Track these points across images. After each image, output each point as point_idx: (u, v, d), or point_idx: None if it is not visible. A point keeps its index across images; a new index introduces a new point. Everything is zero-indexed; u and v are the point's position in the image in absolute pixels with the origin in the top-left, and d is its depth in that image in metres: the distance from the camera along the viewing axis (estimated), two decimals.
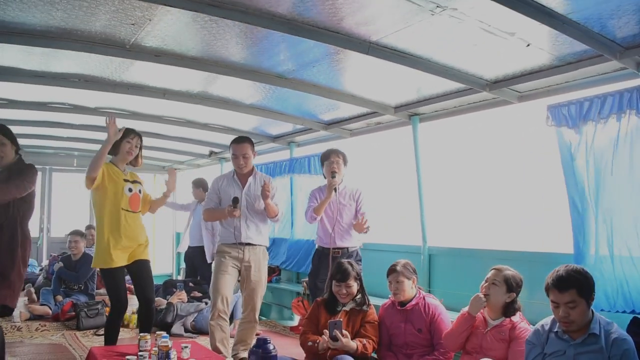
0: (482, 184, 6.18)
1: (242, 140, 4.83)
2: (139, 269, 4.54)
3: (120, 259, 4.40)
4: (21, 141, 4.06)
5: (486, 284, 3.58)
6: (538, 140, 4.58)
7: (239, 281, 4.83)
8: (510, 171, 5.89)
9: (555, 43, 3.77)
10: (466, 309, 3.65)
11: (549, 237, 4.27)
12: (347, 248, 4.93)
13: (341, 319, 3.81)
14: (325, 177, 5.09)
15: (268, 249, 7.73)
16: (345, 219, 4.95)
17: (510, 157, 5.90)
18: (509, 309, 3.54)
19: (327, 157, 5.02)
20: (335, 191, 4.85)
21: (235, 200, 4.59)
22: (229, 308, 4.68)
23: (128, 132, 4.52)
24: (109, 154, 4.42)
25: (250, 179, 4.80)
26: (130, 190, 4.48)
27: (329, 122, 6.50)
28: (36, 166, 4.00)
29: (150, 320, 4.53)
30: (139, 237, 4.54)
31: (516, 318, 3.52)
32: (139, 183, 4.60)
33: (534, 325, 3.39)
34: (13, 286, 3.76)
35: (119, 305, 4.47)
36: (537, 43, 3.80)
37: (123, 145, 4.47)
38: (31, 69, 4.88)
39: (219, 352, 4.50)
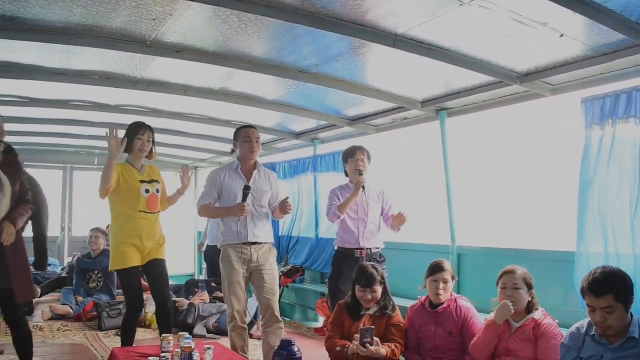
0: (513, 181, 6.04)
1: (253, 126, 4.67)
2: (154, 268, 4.48)
3: (135, 259, 4.36)
4: (42, 139, 4.07)
5: (508, 291, 3.47)
6: (572, 135, 4.43)
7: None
8: (543, 168, 5.74)
9: (590, 33, 3.63)
10: (490, 316, 3.56)
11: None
12: (371, 249, 4.78)
13: (373, 327, 3.70)
14: (347, 175, 4.97)
15: (291, 248, 7.74)
16: (371, 219, 4.80)
17: (543, 153, 5.74)
18: (530, 306, 3.48)
19: (352, 155, 4.86)
20: (363, 189, 4.68)
21: (247, 189, 4.29)
22: (247, 317, 4.49)
23: (138, 128, 4.45)
24: (123, 152, 4.38)
25: (255, 172, 4.53)
26: (147, 191, 4.42)
27: (353, 118, 6.40)
28: (57, 165, 4.02)
29: (168, 320, 4.46)
30: (155, 237, 4.49)
31: (539, 315, 3.44)
32: (157, 182, 4.53)
33: (565, 327, 3.32)
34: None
35: (134, 304, 4.43)
36: (571, 33, 3.67)
37: (135, 143, 4.40)
38: (52, 66, 4.88)
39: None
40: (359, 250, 4.74)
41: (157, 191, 4.51)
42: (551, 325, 3.39)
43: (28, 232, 4.48)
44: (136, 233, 4.35)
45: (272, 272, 4.48)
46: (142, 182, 4.42)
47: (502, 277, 3.54)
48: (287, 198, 4.45)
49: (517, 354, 3.40)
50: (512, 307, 3.40)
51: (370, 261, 4.63)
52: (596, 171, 3.99)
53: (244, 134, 4.52)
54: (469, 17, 3.55)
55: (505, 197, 6.14)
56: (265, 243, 4.48)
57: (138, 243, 4.36)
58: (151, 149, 4.53)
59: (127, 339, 4.43)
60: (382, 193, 4.92)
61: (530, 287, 3.48)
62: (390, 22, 3.75)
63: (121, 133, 7.20)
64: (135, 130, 4.43)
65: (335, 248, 4.98)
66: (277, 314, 4.43)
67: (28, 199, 3.92)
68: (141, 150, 4.43)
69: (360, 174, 4.69)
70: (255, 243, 4.41)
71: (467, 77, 4.64)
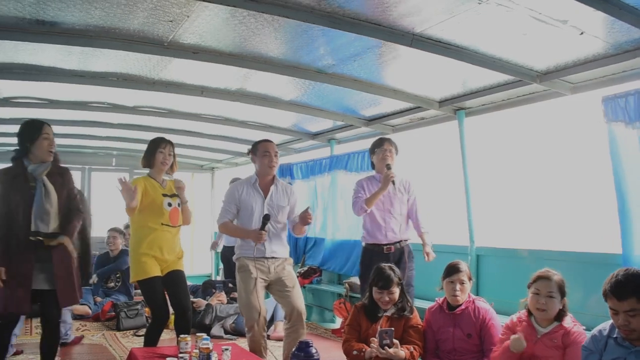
0: (532, 180, 5.97)
1: (271, 140, 4.62)
2: (174, 278, 4.50)
3: (155, 269, 4.38)
4: (61, 141, 4.13)
5: (541, 299, 3.35)
6: (592, 134, 4.38)
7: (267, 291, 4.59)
8: (562, 167, 5.67)
9: (611, 30, 3.58)
10: (509, 319, 3.51)
11: (606, 236, 4.06)
12: (400, 242, 4.71)
13: (392, 329, 3.66)
14: (373, 167, 4.93)
15: (308, 249, 7.72)
16: (399, 210, 4.75)
17: (563, 153, 5.68)
18: (560, 314, 3.36)
19: (379, 145, 4.80)
20: (394, 184, 4.63)
21: (267, 218, 4.28)
22: (266, 323, 4.45)
23: (159, 142, 4.51)
24: (144, 167, 4.49)
25: (272, 187, 4.48)
26: (169, 204, 4.45)
27: (370, 118, 6.38)
28: (75, 166, 4.09)
29: (187, 328, 4.42)
30: (174, 251, 4.52)
31: (568, 323, 3.33)
32: (178, 196, 4.54)
33: (589, 331, 3.22)
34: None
35: (160, 314, 4.42)
36: (591, 31, 3.62)
37: (157, 156, 4.45)
38: (70, 68, 4.91)
39: None
40: (387, 246, 4.69)
41: (179, 205, 4.53)
42: (581, 333, 3.27)
43: None
44: (157, 245, 4.38)
45: (292, 277, 4.45)
46: (165, 195, 4.45)
47: (536, 282, 3.40)
48: (307, 208, 4.39)
49: None
50: (524, 343, 3.29)
51: (400, 255, 4.62)
52: (630, 171, 3.93)
53: (263, 148, 4.48)
54: (487, 16, 3.51)
55: (524, 197, 6.07)
56: (281, 257, 4.46)
57: (158, 254, 4.39)
58: (172, 163, 4.56)
59: (150, 344, 4.42)
60: (409, 184, 4.86)
61: (563, 294, 3.35)
62: (407, 21, 3.72)
63: (138, 134, 7.28)
64: (157, 144, 4.48)
65: (363, 244, 4.90)
66: (304, 317, 4.35)
67: (77, 206, 4.04)
68: (163, 163, 4.47)
69: (389, 168, 4.63)
70: (272, 257, 4.40)
71: (485, 76, 4.60)
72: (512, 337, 3.34)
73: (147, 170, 4.54)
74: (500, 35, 3.85)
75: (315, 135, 7.49)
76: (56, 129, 4.05)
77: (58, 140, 4.05)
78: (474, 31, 3.81)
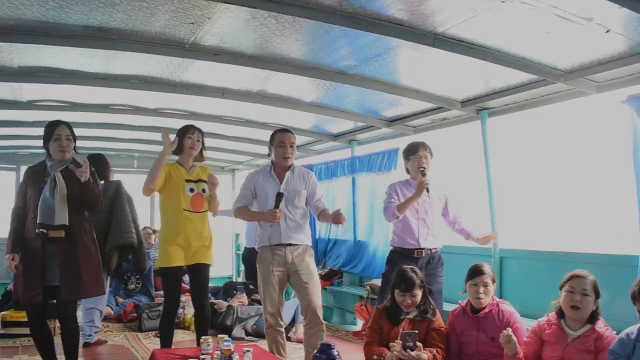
0: (557, 181, 5.88)
1: (289, 130, 4.59)
2: (198, 273, 4.57)
3: (178, 259, 4.43)
4: (83, 143, 4.17)
5: (576, 296, 3.28)
6: (618, 134, 4.29)
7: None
8: (588, 168, 5.57)
9: (637, 28, 3.51)
10: (534, 323, 3.48)
11: (633, 238, 3.98)
12: (431, 249, 4.59)
13: (416, 331, 3.62)
14: (408, 173, 4.75)
15: (329, 250, 7.70)
16: (432, 220, 4.61)
17: (588, 153, 5.58)
18: (593, 316, 3.29)
19: (414, 151, 4.63)
20: (428, 191, 4.44)
21: (280, 196, 4.26)
22: (282, 319, 4.44)
23: (188, 128, 4.58)
24: (174, 153, 4.52)
25: (288, 173, 4.47)
26: (192, 190, 4.49)
27: (391, 118, 6.35)
28: None
29: (204, 326, 4.53)
30: (201, 237, 4.54)
31: (600, 327, 3.25)
32: (204, 182, 4.56)
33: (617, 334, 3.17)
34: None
35: (170, 303, 4.53)
36: (617, 28, 3.55)
37: (185, 142, 4.52)
38: (93, 71, 4.94)
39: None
40: (417, 250, 4.55)
41: (203, 191, 4.55)
42: (614, 338, 3.19)
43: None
44: (181, 232, 4.42)
45: (309, 271, 4.40)
46: (188, 181, 4.49)
47: (570, 280, 3.34)
48: (339, 210, 4.34)
49: None
50: (515, 340, 3.31)
51: (429, 261, 4.57)
52: None
53: (279, 139, 4.48)
54: (510, 14, 3.47)
55: (549, 198, 5.98)
56: (300, 244, 4.41)
57: (182, 242, 4.43)
58: (201, 150, 4.63)
59: (166, 337, 4.50)
60: (445, 195, 4.73)
61: (597, 295, 3.28)
62: (429, 21, 3.69)
63: (159, 136, 7.27)
64: (186, 130, 4.57)
65: (391, 248, 4.76)
66: (319, 314, 4.32)
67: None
68: (192, 148, 4.53)
69: (424, 174, 4.46)
70: (289, 244, 4.36)
71: (508, 75, 4.55)
72: (502, 335, 3.35)
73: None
74: (523, 33, 3.80)
75: (335, 137, 7.48)
76: (78, 131, 4.11)
77: (80, 143, 4.10)
78: (497, 30, 3.77)
